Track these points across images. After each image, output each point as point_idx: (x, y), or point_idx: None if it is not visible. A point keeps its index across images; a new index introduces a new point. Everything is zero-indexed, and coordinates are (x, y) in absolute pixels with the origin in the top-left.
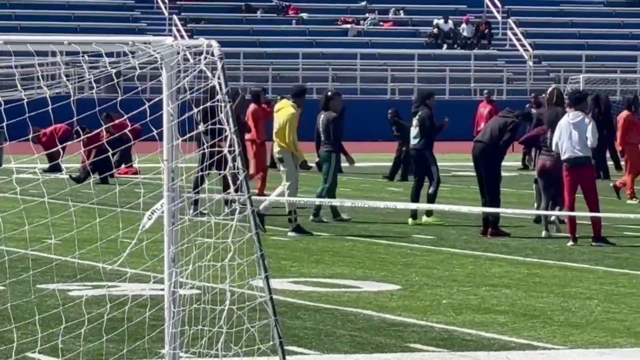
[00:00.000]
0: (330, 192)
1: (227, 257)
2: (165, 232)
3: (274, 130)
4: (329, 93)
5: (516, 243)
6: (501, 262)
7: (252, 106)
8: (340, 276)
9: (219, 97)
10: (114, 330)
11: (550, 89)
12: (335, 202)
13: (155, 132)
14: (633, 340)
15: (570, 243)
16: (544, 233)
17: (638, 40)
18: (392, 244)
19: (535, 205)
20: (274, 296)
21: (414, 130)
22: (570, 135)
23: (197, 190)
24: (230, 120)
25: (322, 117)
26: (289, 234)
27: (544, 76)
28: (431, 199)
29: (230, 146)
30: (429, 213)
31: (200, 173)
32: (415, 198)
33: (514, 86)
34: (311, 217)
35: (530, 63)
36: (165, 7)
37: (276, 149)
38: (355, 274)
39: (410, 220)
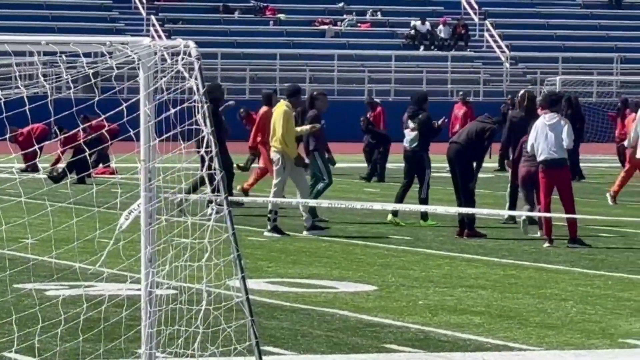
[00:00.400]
0: (312, 191)
1: (204, 258)
2: (142, 232)
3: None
4: (314, 93)
5: (492, 244)
6: (477, 263)
7: (263, 108)
8: (316, 277)
9: (196, 97)
10: (91, 330)
11: (521, 92)
12: (312, 202)
13: (132, 132)
14: (608, 342)
15: (546, 244)
16: (539, 233)
17: (614, 42)
18: (369, 245)
19: (508, 205)
20: (251, 296)
21: (411, 133)
22: (546, 136)
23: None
24: (207, 121)
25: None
26: (266, 233)
27: (521, 78)
28: (424, 203)
29: (207, 147)
30: (425, 217)
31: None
32: (401, 199)
33: (491, 87)
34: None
35: (507, 65)
36: (143, 8)
37: (273, 150)
38: (332, 275)
39: (389, 216)
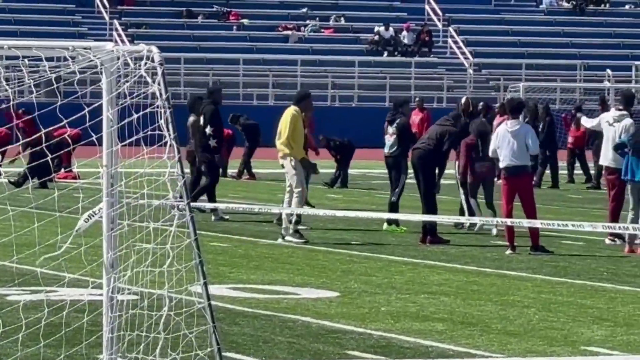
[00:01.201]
0: None
1: (166, 263)
2: (103, 237)
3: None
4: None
5: (455, 251)
6: (440, 269)
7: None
8: (279, 283)
9: (158, 102)
10: (52, 335)
11: (464, 99)
12: (275, 209)
13: (94, 137)
14: (570, 349)
15: (508, 251)
16: (494, 231)
17: (578, 49)
18: (331, 251)
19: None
20: (213, 302)
21: (390, 138)
22: (508, 143)
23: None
24: (170, 126)
25: None
26: (287, 238)
27: (484, 84)
28: (395, 207)
29: (169, 153)
30: (390, 222)
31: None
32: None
33: (454, 94)
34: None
35: (471, 71)
36: (106, 12)
37: (280, 155)
38: (294, 281)
39: (385, 225)
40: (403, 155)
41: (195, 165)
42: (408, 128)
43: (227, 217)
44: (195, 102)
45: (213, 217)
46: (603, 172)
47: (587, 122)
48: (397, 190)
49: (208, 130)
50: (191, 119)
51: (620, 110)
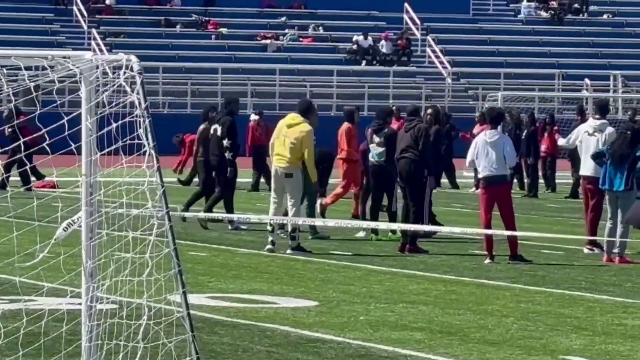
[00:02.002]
0: (311, 208)
1: (145, 272)
2: (83, 247)
3: (283, 146)
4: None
5: (434, 260)
6: (419, 279)
7: (345, 124)
8: (257, 292)
9: (137, 111)
10: (31, 344)
11: (429, 110)
12: (254, 218)
13: (73, 146)
14: (549, 358)
15: (487, 261)
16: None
17: (556, 58)
18: (310, 260)
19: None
20: (192, 311)
21: (377, 148)
22: (487, 153)
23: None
24: (149, 135)
25: None
26: (288, 251)
27: (462, 93)
28: (394, 217)
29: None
30: (376, 232)
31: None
32: (375, 215)
33: (433, 103)
34: (309, 237)
35: (449, 80)
36: (85, 21)
37: (283, 164)
38: (273, 290)
39: (373, 236)
40: (391, 164)
41: (204, 175)
42: (394, 138)
43: (244, 227)
44: (209, 111)
45: (230, 227)
46: (582, 181)
47: (561, 142)
48: (393, 200)
49: (225, 142)
50: (201, 127)
51: (599, 119)
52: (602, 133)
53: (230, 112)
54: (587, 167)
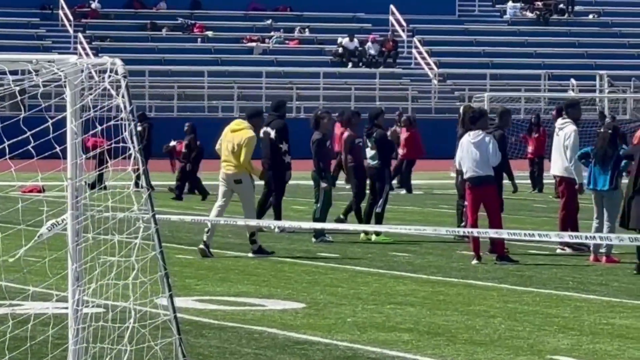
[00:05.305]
0: (323, 213)
1: (131, 275)
2: (69, 250)
3: (227, 151)
4: (319, 112)
5: (420, 261)
6: (406, 280)
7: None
8: (245, 294)
9: (122, 115)
10: (18, 348)
11: (403, 118)
12: (240, 221)
13: (58, 149)
14: (536, 358)
15: (474, 261)
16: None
17: (542, 59)
18: (297, 262)
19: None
20: (179, 314)
21: (371, 151)
22: (471, 154)
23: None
24: (135, 138)
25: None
26: (250, 255)
27: (449, 94)
28: (380, 218)
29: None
30: (377, 232)
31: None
32: (369, 217)
33: (419, 104)
34: (313, 240)
35: (435, 81)
36: (70, 25)
37: (231, 170)
38: (260, 292)
39: (373, 237)
40: (386, 165)
41: (355, 181)
42: (386, 138)
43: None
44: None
45: (276, 230)
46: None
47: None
48: (381, 201)
49: (284, 147)
50: (346, 133)
51: (564, 118)
52: (562, 131)
53: (282, 115)
54: (555, 167)
